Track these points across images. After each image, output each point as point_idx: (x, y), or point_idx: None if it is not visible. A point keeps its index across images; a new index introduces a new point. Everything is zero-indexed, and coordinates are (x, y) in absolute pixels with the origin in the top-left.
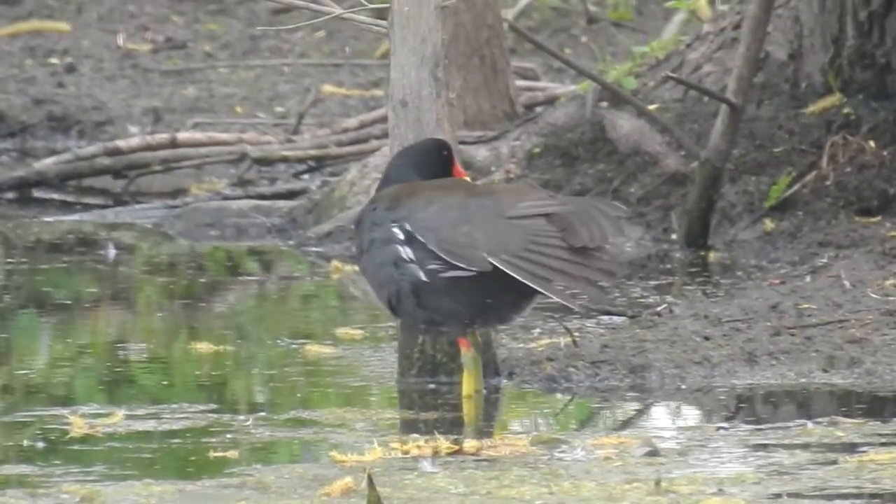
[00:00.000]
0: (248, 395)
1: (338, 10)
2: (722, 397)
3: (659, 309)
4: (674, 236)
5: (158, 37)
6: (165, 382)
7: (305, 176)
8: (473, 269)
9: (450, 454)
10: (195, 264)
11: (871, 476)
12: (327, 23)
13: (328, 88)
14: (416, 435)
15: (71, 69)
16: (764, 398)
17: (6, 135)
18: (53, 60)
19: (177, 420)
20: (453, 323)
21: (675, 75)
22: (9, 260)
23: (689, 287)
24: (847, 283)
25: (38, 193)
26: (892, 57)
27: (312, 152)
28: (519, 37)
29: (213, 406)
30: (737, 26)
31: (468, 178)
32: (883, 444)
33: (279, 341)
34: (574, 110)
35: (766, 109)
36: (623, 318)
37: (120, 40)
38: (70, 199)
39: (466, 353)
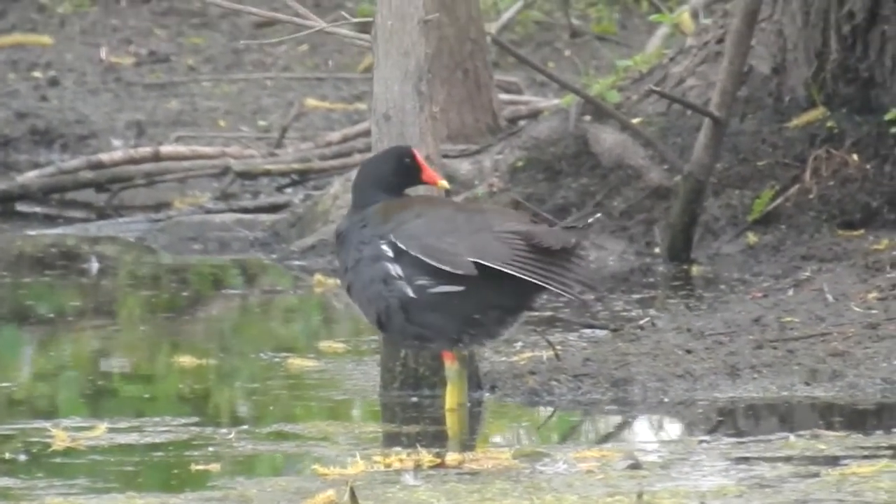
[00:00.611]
0: (230, 408)
1: (321, 24)
2: (704, 410)
3: (641, 322)
4: (657, 250)
5: (141, 50)
6: (148, 396)
7: (288, 189)
8: (457, 272)
9: (432, 467)
10: (178, 278)
11: (853, 489)
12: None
13: (311, 102)
14: (398, 448)
15: (54, 83)
16: (746, 411)
17: None
18: (36, 74)
19: (159, 433)
20: (441, 339)
21: (658, 89)
22: None
23: (671, 300)
24: (830, 297)
25: (20, 207)
26: (876, 71)
27: (295, 166)
28: (502, 50)
29: (196, 419)
30: (720, 40)
31: (445, 184)
32: (865, 457)
33: (262, 355)
34: (557, 124)
35: (749, 123)
36: (605, 332)
37: (103, 54)
38: (53, 212)
39: (451, 366)
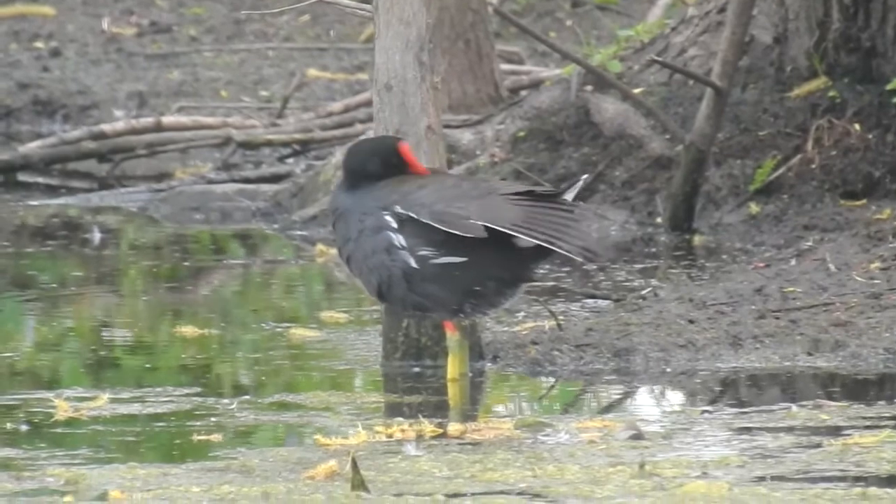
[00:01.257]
0: (232, 378)
1: None
2: (706, 381)
3: (644, 292)
4: (659, 220)
5: (143, 21)
6: (150, 366)
7: (290, 160)
8: (468, 235)
9: (434, 438)
10: (180, 248)
11: (855, 459)
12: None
13: (313, 72)
14: (400, 418)
15: (56, 53)
16: (748, 381)
17: None
18: (38, 45)
19: (161, 403)
20: (442, 309)
21: (660, 59)
22: None
23: (673, 270)
24: (832, 267)
25: (23, 177)
26: (878, 40)
27: (297, 136)
28: (504, 20)
29: (198, 389)
30: (722, 10)
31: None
32: (867, 427)
33: (264, 325)
34: (559, 94)
35: (751, 93)
36: (608, 302)
37: (105, 24)
38: (55, 183)
39: (452, 336)
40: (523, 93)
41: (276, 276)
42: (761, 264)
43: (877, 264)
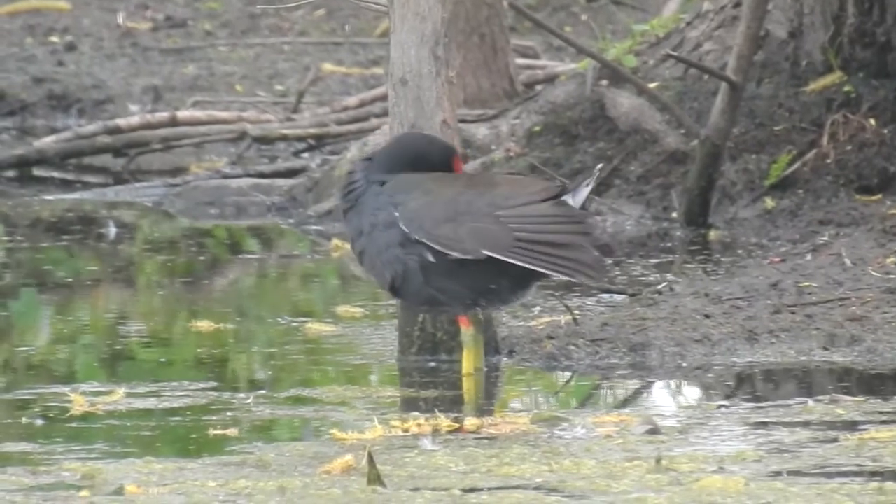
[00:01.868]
0: (248, 373)
1: None
2: (722, 375)
3: (659, 287)
4: (674, 214)
5: (158, 15)
6: (166, 360)
7: (305, 154)
8: (468, 257)
9: (450, 432)
10: (195, 243)
11: (871, 454)
12: (327, 1)
13: (328, 67)
14: (416, 413)
15: (71, 48)
16: (764, 376)
17: (6, 113)
18: (53, 39)
19: (177, 398)
20: (456, 303)
21: (675, 53)
22: (9, 238)
23: (689, 265)
24: (848, 261)
25: (38, 172)
26: (893, 35)
27: (312, 131)
28: (519, 15)
29: (214, 384)
30: (737, 4)
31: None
32: (883, 422)
33: (279, 319)
34: (574, 88)
35: (766, 88)
36: (623, 297)
37: (120, 19)
38: (70, 177)
39: (466, 330)
40: (538, 87)
41: (292, 271)
42: (777, 259)
43: (892, 259)
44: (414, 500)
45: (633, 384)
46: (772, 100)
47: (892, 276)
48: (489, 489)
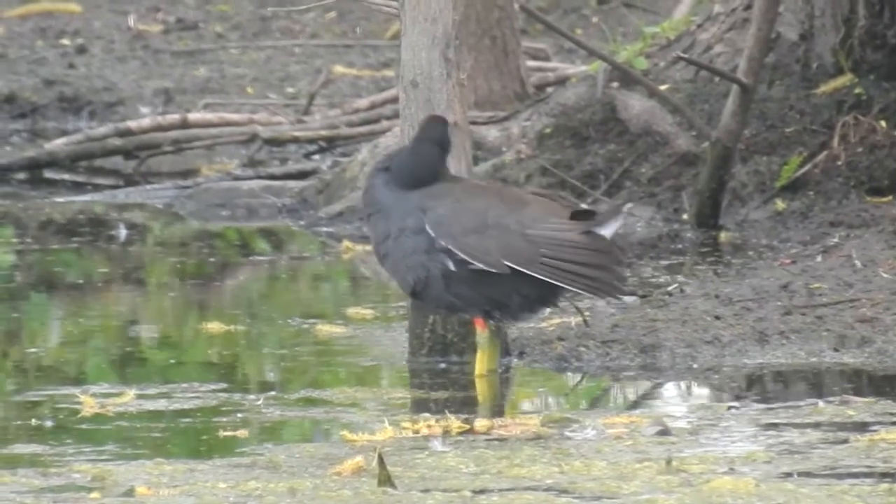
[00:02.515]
0: (258, 374)
1: None
2: (733, 377)
3: (670, 288)
4: (685, 216)
5: (169, 18)
6: (176, 362)
7: (316, 156)
8: (493, 270)
9: (460, 433)
10: (206, 244)
11: (882, 455)
12: (338, 3)
13: (339, 69)
14: (426, 414)
15: (82, 50)
16: (775, 377)
17: (17, 115)
18: (64, 41)
19: (188, 399)
20: (473, 311)
21: (686, 56)
22: (20, 240)
23: (700, 267)
24: (858, 263)
25: (49, 174)
26: None
27: (323, 133)
28: (530, 17)
29: (224, 385)
30: (748, 6)
31: None
32: (894, 423)
33: (290, 321)
34: (585, 91)
35: (777, 90)
36: (634, 298)
37: (131, 21)
38: (81, 179)
39: (482, 332)
40: (549, 89)
41: (302, 273)
42: (787, 261)
43: None
44: (424, 501)
45: (644, 385)
46: (782, 102)
47: None
48: (500, 490)
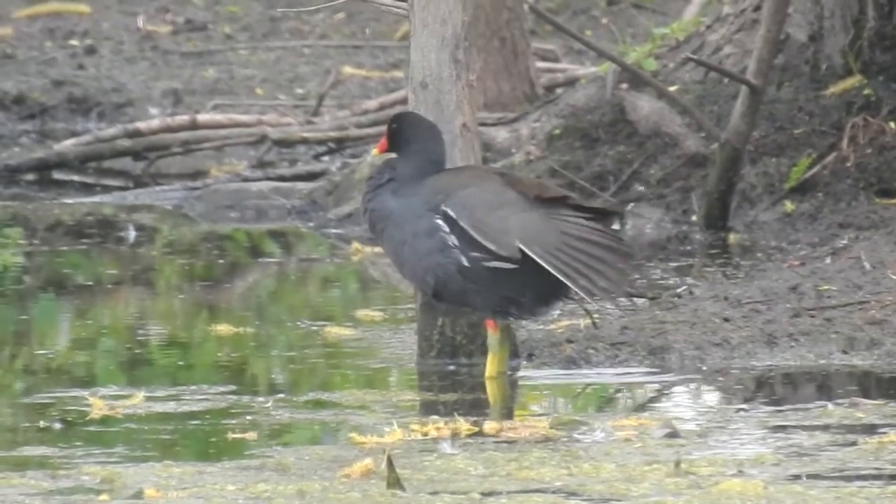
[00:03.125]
0: (267, 376)
1: None
2: (741, 379)
3: (679, 290)
4: (694, 218)
5: (178, 18)
6: (185, 364)
7: (325, 157)
8: (502, 253)
9: (469, 436)
10: (215, 246)
11: (890, 457)
12: (347, 4)
13: (348, 70)
14: (435, 417)
15: (91, 51)
16: (783, 380)
17: (26, 116)
18: (73, 42)
19: (197, 402)
20: (485, 308)
21: (695, 57)
22: (29, 242)
23: (708, 268)
24: (867, 265)
25: (57, 175)
26: None
27: (332, 134)
28: (539, 18)
29: (233, 388)
30: (757, 8)
31: None
32: None
33: (299, 323)
34: (594, 92)
35: (786, 91)
36: (643, 300)
37: (140, 22)
38: (90, 180)
39: (493, 334)
40: (559, 91)
41: (312, 275)
42: (796, 262)
43: None
44: (433, 503)
45: (653, 388)
46: (791, 103)
47: None
48: (508, 493)
